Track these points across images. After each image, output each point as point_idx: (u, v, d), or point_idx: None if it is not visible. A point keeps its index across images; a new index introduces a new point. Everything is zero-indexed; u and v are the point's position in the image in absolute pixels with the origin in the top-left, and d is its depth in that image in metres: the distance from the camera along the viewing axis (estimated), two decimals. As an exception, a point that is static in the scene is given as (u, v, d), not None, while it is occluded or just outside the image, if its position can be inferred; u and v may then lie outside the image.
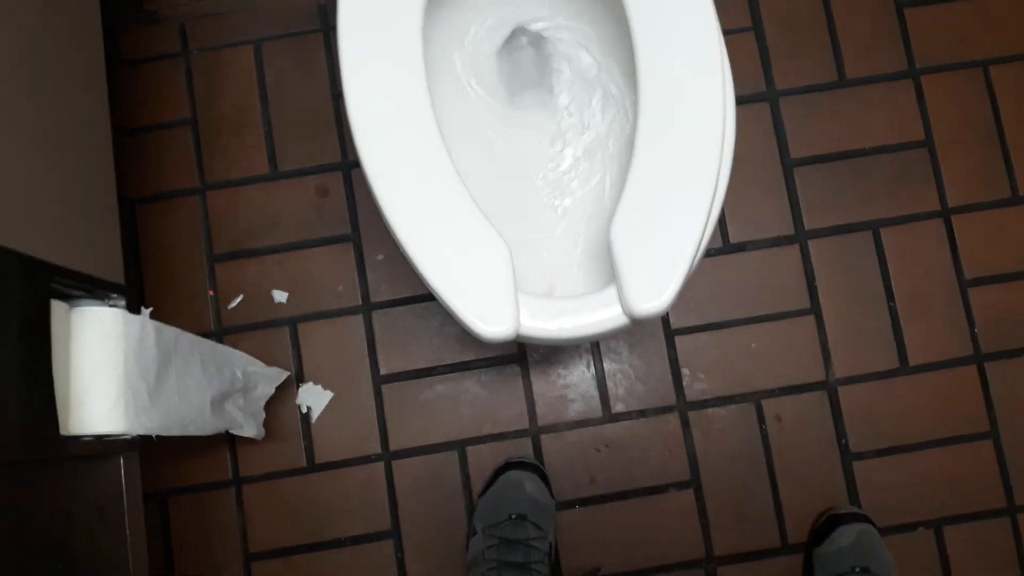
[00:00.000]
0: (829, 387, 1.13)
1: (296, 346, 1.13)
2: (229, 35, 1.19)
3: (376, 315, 1.14)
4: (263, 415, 1.08)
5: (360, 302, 1.14)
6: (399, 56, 0.76)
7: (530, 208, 0.91)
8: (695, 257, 0.72)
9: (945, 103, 1.18)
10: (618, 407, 1.12)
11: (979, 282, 1.14)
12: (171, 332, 0.82)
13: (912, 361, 1.13)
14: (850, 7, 1.19)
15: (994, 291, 1.14)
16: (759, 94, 1.18)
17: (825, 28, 1.19)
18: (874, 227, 1.15)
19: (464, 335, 1.12)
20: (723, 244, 1.15)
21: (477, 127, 0.93)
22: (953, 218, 1.15)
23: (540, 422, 1.12)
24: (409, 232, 0.73)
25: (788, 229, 1.16)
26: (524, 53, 0.95)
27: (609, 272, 0.74)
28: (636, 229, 0.72)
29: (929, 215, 1.16)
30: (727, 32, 1.18)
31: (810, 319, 1.14)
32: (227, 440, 1.11)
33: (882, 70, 1.18)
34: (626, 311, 0.72)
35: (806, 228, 1.15)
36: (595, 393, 1.12)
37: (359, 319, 1.13)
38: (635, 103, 0.76)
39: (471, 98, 0.94)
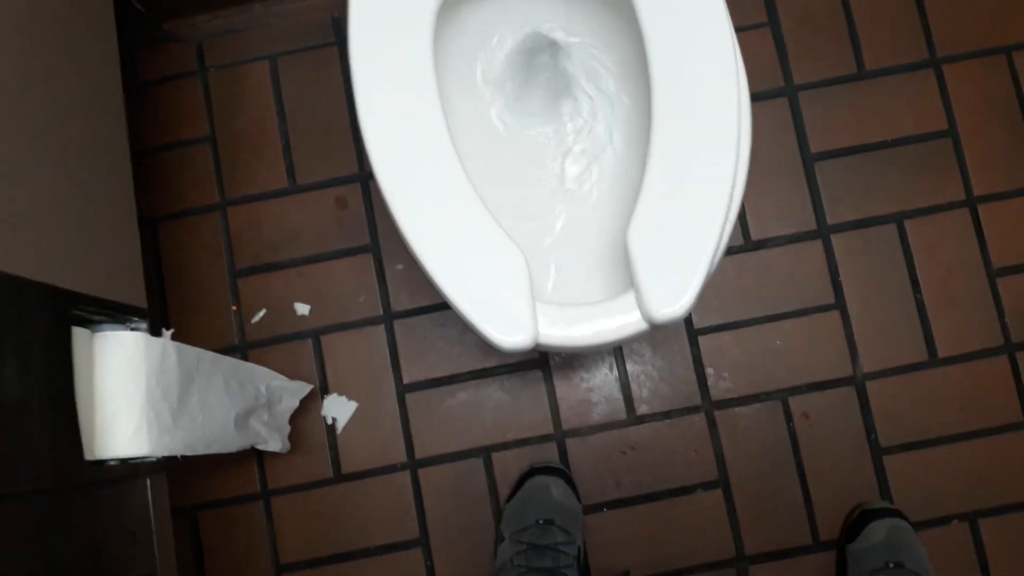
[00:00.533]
0: (857, 382, 1.11)
1: (320, 357, 1.13)
2: (245, 52, 1.20)
3: (398, 324, 1.14)
4: (288, 428, 1.08)
5: (381, 312, 1.14)
6: (410, 67, 0.76)
7: (541, 215, 0.91)
8: (713, 260, 0.72)
9: (968, 91, 1.15)
10: (642, 409, 1.12)
11: (1007, 271, 1.12)
12: (193, 352, 0.83)
13: (941, 353, 1.12)
14: (867, -3, 1.18)
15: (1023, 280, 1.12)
16: (777, 89, 1.17)
17: (843, 20, 1.17)
18: (898, 219, 1.14)
19: (485, 342, 1.12)
20: (744, 241, 1.14)
21: (486, 134, 0.93)
22: (979, 207, 1.13)
23: (564, 426, 1.12)
24: (425, 246, 0.73)
25: (810, 224, 1.14)
26: (535, 60, 0.94)
27: (625, 278, 0.73)
28: (653, 233, 0.72)
29: (954, 205, 1.14)
30: (743, 28, 1.17)
31: (835, 314, 1.13)
32: (255, 453, 1.11)
33: (902, 60, 1.16)
34: (645, 317, 0.71)
35: (829, 223, 1.14)
36: (619, 395, 1.12)
37: (381, 329, 1.14)
38: (648, 108, 0.75)
39: (480, 105, 0.93)
